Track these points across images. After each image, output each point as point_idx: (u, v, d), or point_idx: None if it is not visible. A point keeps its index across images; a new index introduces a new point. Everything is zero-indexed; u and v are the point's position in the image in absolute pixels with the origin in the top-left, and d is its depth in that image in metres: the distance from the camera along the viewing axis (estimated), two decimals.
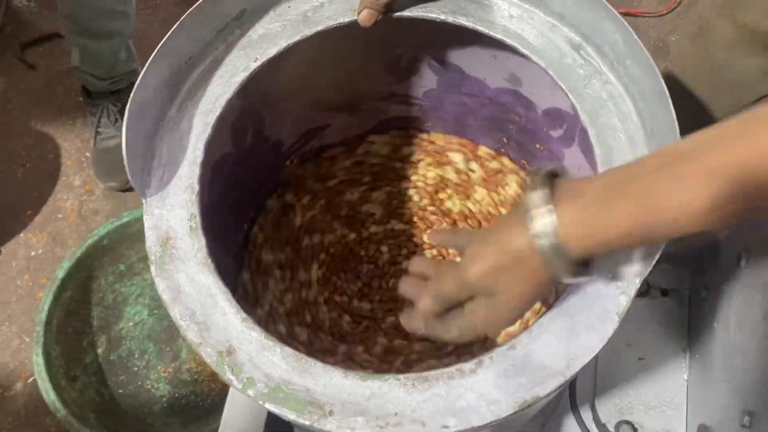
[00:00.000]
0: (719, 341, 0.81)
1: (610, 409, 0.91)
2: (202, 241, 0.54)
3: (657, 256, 0.51)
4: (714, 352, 0.83)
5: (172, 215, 0.55)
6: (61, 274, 1.31)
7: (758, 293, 0.72)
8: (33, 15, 1.78)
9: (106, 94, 1.50)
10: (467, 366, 0.49)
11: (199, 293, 0.52)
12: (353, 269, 0.94)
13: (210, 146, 0.57)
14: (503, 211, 0.92)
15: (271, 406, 0.49)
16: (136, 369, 1.40)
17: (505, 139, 0.85)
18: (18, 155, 1.62)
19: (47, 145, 1.63)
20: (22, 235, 1.54)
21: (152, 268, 0.53)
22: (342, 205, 0.95)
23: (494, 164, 0.94)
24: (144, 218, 0.55)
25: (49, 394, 1.23)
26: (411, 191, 0.96)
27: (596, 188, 0.45)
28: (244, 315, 0.52)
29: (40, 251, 1.52)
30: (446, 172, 0.95)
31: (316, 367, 0.50)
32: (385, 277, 0.94)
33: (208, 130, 0.58)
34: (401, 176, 0.95)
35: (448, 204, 0.95)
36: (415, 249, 0.95)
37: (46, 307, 1.29)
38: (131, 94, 0.52)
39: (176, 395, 1.38)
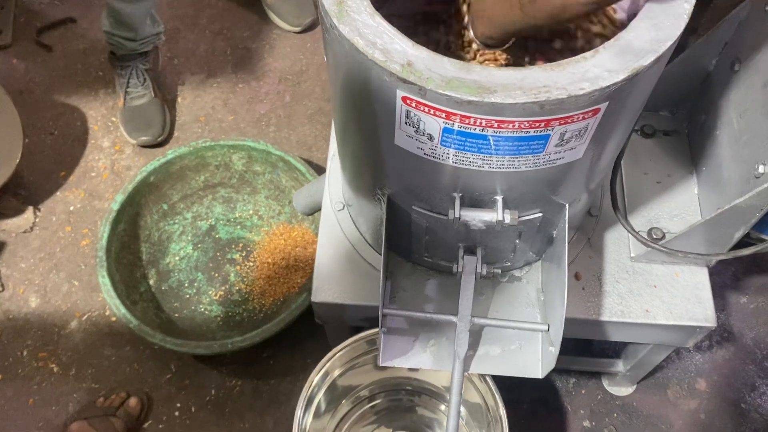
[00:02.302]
0: (726, 137, 1.02)
1: (641, 220, 1.10)
2: (367, 0, 0.71)
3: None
4: (721, 150, 1.03)
5: None
6: (115, 206, 1.41)
7: (755, 75, 0.94)
8: (43, 5, 1.90)
9: (134, 56, 1.63)
10: (588, 54, 0.67)
11: (375, 31, 0.68)
12: None
13: None
14: None
15: (448, 92, 0.65)
16: (188, 296, 1.49)
17: None
18: (45, 125, 1.71)
19: (73, 115, 1.73)
20: (58, 193, 1.62)
21: (334, 20, 0.69)
22: None
23: None
24: None
25: (119, 309, 1.31)
26: None
27: None
28: (413, 42, 0.68)
29: (78, 206, 1.61)
30: None
31: (477, 67, 0.66)
32: None
33: None
34: None
35: None
36: None
37: (105, 235, 1.38)
38: None
39: (230, 314, 1.47)
